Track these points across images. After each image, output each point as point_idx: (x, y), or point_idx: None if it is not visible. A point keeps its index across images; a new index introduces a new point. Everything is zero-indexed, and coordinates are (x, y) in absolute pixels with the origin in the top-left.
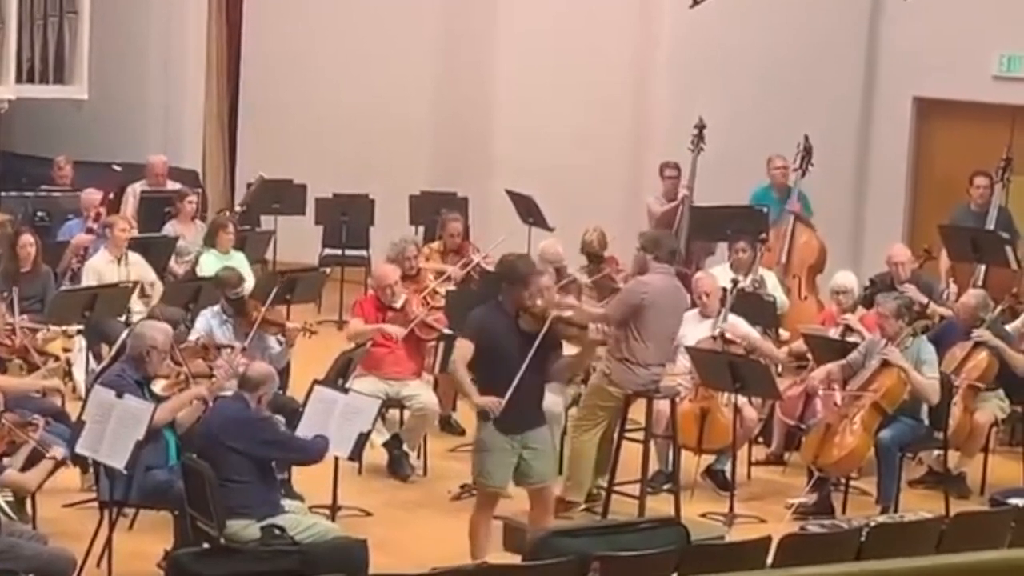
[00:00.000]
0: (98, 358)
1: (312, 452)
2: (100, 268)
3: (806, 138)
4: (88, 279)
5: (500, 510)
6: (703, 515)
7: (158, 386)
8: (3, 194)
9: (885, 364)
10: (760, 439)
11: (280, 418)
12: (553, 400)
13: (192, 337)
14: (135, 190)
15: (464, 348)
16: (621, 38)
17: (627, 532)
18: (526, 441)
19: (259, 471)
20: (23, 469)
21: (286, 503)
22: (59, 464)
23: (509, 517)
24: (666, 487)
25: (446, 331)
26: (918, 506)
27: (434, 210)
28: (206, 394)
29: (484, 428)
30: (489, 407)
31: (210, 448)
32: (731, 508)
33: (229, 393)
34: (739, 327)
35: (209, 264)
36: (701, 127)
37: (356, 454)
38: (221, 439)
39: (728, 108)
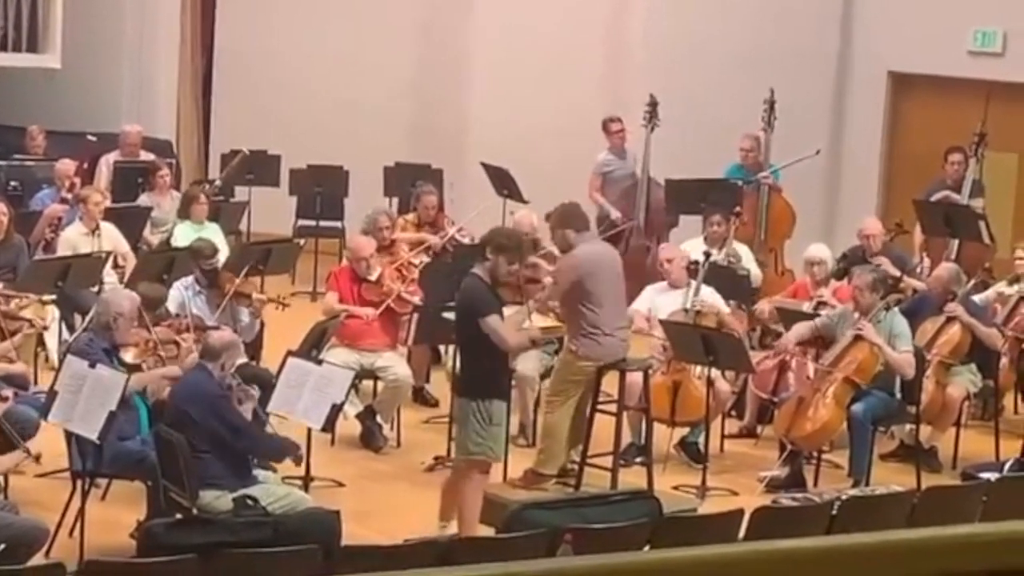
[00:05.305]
0: (71, 328)
1: (265, 448)
2: (75, 240)
3: (771, 92)
4: (63, 251)
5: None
6: (675, 488)
7: (128, 355)
8: None
9: (858, 338)
10: (733, 412)
11: (256, 391)
12: (528, 366)
13: (173, 309)
14: (108, 160)
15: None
16: (596, 12)
17: (599, 504)
18: None
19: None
20: None
21: (259, 474)
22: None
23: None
24: (639, 460)
25: (420, 303)
26: (890, 480)
27: (409, 182)
28: (178, 373)
29: (496, 404)
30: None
31: (179, 419)
32: (703, 481)
33: None
34: (711, 302)
35: (184, 235)
36: (654, 104)
37: (329, 425)
38: (185, 409)
39: (702, 83)
